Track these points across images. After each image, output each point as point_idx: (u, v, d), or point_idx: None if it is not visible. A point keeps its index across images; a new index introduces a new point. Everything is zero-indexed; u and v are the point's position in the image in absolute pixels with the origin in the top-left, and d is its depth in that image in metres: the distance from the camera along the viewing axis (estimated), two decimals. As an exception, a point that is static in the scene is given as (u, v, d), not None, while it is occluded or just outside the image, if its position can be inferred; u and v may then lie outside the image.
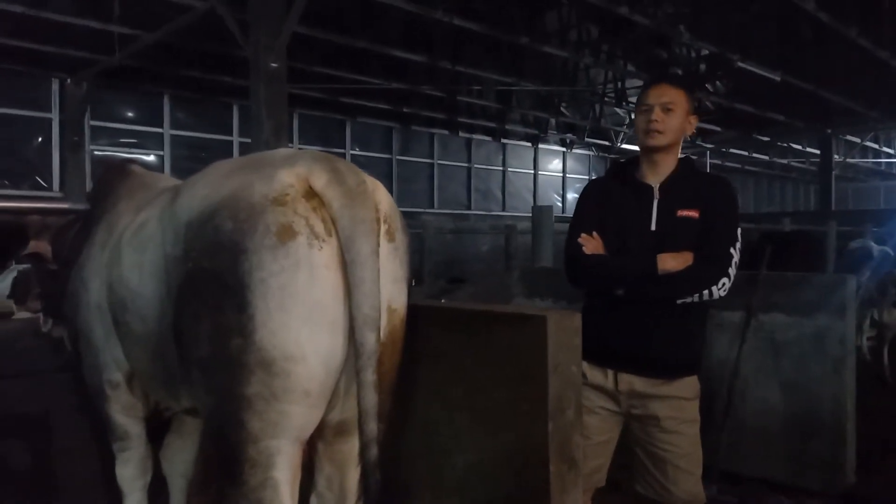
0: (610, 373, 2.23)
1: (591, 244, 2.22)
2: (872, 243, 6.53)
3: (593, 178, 18.62)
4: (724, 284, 2.12)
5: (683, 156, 2.30)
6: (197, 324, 1.61)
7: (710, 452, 3.62)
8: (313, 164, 1.65)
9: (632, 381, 2.21)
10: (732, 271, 2.14)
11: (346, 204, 1.59)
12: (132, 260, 1.92)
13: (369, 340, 1.56)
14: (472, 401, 2.01)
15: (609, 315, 2.19)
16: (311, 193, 1.61)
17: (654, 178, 2.23)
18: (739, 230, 2.19)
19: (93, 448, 2.72)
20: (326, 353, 1.59)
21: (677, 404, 2.21)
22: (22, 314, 3.88)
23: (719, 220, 2.15)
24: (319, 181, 1.62)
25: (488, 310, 2.10)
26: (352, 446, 1.78)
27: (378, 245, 1.61)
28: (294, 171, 1.63)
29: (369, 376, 1.56)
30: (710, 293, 2.12)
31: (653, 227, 2.17)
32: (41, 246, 2.76)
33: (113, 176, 2.47)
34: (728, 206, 2.20)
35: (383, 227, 1.69)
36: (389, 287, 1.70)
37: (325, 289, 1.57)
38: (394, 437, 2.15)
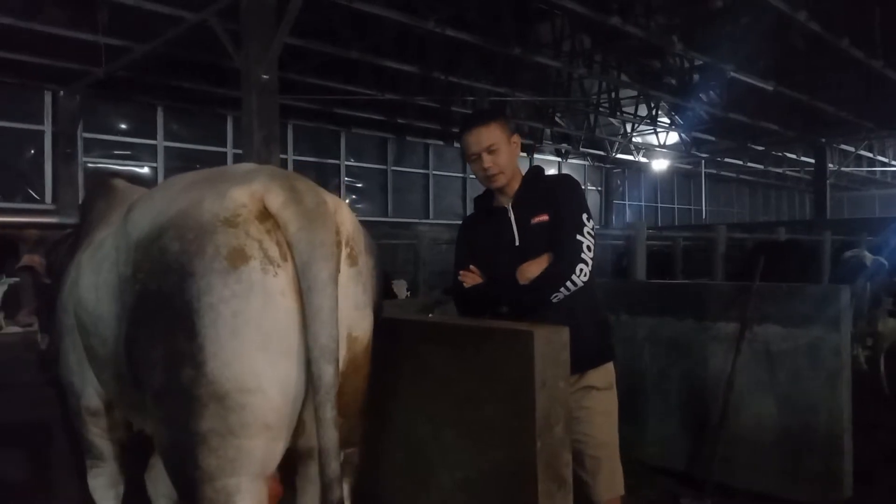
0: None
1: (469, 278, 2.38)
2: (867, 253, 6.51)
3: (587, 187, 18.66)
4: (581, 271, 2.21)
5: (532, 166, 2.49)
6: (148, 350, 1.51)
7: (705, 465, 3.61)
8: (270, 182, 1.54)
9: None
10: (586, 255, 2.23)
11: (304, 226, 1.49)
12: (89, 281, 1.84)
13: (327, 373, 1.45)
14: (460, 417, 1.97)
15: None
16: (265, 214, 1.50)
17: (507, 199, 2.40)
18: (586, 215, 2.28)
19: (75, 461, 2.67)
20: (285, 382, 1.49)
21: (588, 395, 2.29)
22: (12, 328, 3.83)
23: (563, 212, 2.27)
24: (275, 201, 1.51)
25: (476, 325, 2.06)
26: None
27: (337, 271, 1.51)
28: (249, 188, 1.52)
29: (328, 412, 1.45)
30: (573, 283, 2.21)
31: (517, 243, 2.32)
32: (35, 260, 2.70)
33: (96, 190, 2.40)
34: (568, 197, 2.31)
35: (345, 251, 1.59)
36: (351, 314, 1.61)
37: (281, 316, 1.47)
38: (378, 453, 2.12)
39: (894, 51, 10.67)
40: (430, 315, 3.63)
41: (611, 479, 2.30)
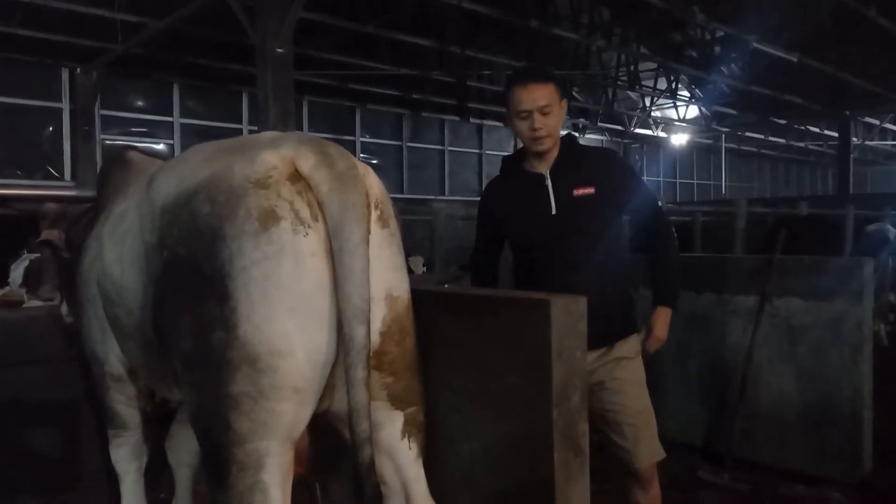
0: None
1: None
2: (890, 226, 6.39)
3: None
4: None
5: (564, 133, 2.36)
6: (176, 317, 1.51)
7: (724, 439, 3.60)
8: (300, 147, 1.54)
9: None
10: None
11: (335, 188, 1.48)
12: (113, 252, 1.85)
13: (359, 334, 1.44)
14: (479, 388, 1.97)
15: None
16: (296, 176, 1.50)
17: (544, 166, 2.29)
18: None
19: (100, 436, 2.71)
20: (315, 346, 1.48)
21: (619, 366, 2.28)
22: (35, 302, 3.88)
23: (639, 194, 2.31)
24: (306, 164, 1.51)
25: (494, 294, 2.04)
26: (387, 433, 1.70)
27: (368, 232, 1.50)
28: (279, 152, 1.52)
29: (359, 373, 1.45)
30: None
31: (553, 212, 2.24)
32: (54, 234, 2.72)
33: (112, 164, 2.40)
34: (629, 177, 2.35)
35: (375, 213, 1.58)
36: (389, 275, 1.61)
37: (312, 278, 1.47)
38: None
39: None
40: (445, 286, 3.63)
41: (651, 444, 2.30)
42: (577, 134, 18.57)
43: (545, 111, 2.19)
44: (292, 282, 1.45)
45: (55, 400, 2.94)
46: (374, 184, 1.63)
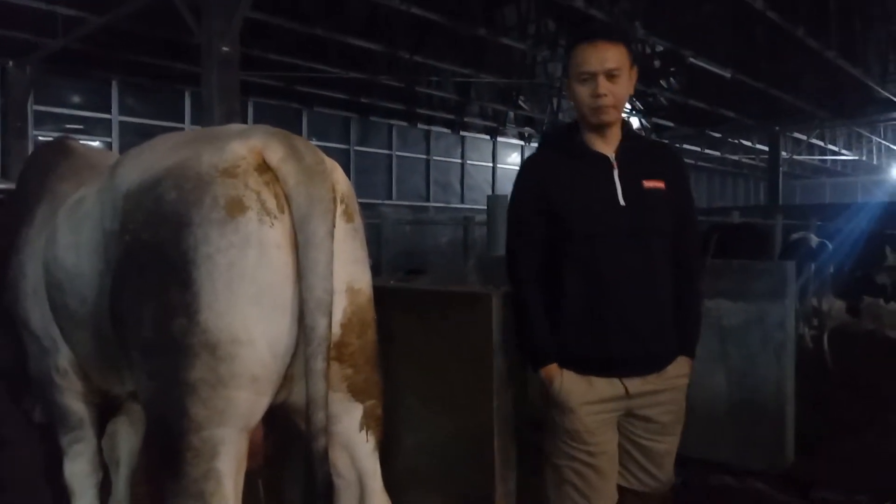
0: (614, 380, 1.88)
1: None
2: (812, 235, 6.77)
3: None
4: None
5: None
6: (137, 304, 1.51)
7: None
8: (269, 139, 1.56)
9: (639, 383, 1.89)
10: None
11: (303, 181, 1.50)
12: (68, 240, 1.83)
13: (320, 325, 1.47)
14: (424, 381, 2.02)
15: (599, 320, 1.86)
16: (264, 167, 1.52)
17: (606, 146, 1.92)
18: None
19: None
20: (275, 336, 1.50)
21: (675, 391, 1.96)
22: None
23: (691, 206, 2.01)
24: (275, 156, 1.53)
25: (438, 290, 2.11)
26: (344, 425, 1.70)
27: (333, 226, 1.53)
28: (247, 143, 1.54)
29: (319, 364, 1.47)
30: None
31: (622, 202, 1.86)
32: None
33: (52, 153, 2.34)
34: (689, 183, 2.04)
35: (340, 208, 1.61)
36: (350, 268, 1.64)
37: (276, 269, 1.49)
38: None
39: (847, 42, 11.01)
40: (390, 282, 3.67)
41: (671, 466, 2.02)
42: (522, 142, 18.88)
43: (613, 74, 1.82)
44: (256, 271, 1.47)
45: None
46: (341, 179, 1.66)
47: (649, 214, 1.86)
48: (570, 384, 1.83)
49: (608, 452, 1.88)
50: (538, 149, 2.11)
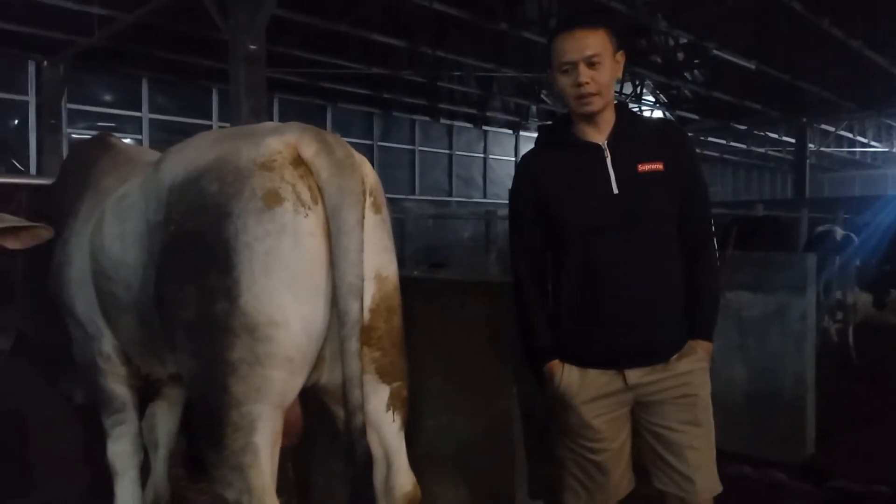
0: (613, 373, 1.87)
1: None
2: (838, 228, 6.70)
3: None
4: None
5: (616, 101, 1.95)
6: (181, 288, 1.63)
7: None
8: (303, 134, 1.68)
9: (640, 374, 1.86)
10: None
11: (335, 174, 1.62)
12: (114, 230, 1.94)
13: (353, 309, 1.57)
14: (443, 367, 2.10)
15: (600, 312, 1.85)
16: (298, 161, 1.63)
17: (598, 134, 1.89)
18: None
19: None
20: (308, 319, 1.61)
21: (687, 375, 1.88)
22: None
23: (698, 183, 1.92)
24: (308, 150, 1.64)
25: (456, 279, 2.18)
26: (373, 406, 1.78)
27: (363, 216, 1.64)
28: (283, 138, 1.65)
29: (353, 345, 1.57)
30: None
31: (615, 190, 1.83)
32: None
33: (93, 149, 2.46)
34: (695, 161, 1.95)
35: (369, 200, 1.72)
36: (379, 256, 1.74)
37: (310, 256, 1.59)
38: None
39: (874, 32, 10.82)
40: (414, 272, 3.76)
41: (712, 474, 1.89)
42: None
43: (593, 61, 1.80)
44: (291, 258, 1.58)
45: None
46: (369, 172, 1.77)
47: (645, 200, 1.83)
48: (569, 379, 1.86)
49: (612, 448, 1.88)
50: (534, 144, 2.08)
